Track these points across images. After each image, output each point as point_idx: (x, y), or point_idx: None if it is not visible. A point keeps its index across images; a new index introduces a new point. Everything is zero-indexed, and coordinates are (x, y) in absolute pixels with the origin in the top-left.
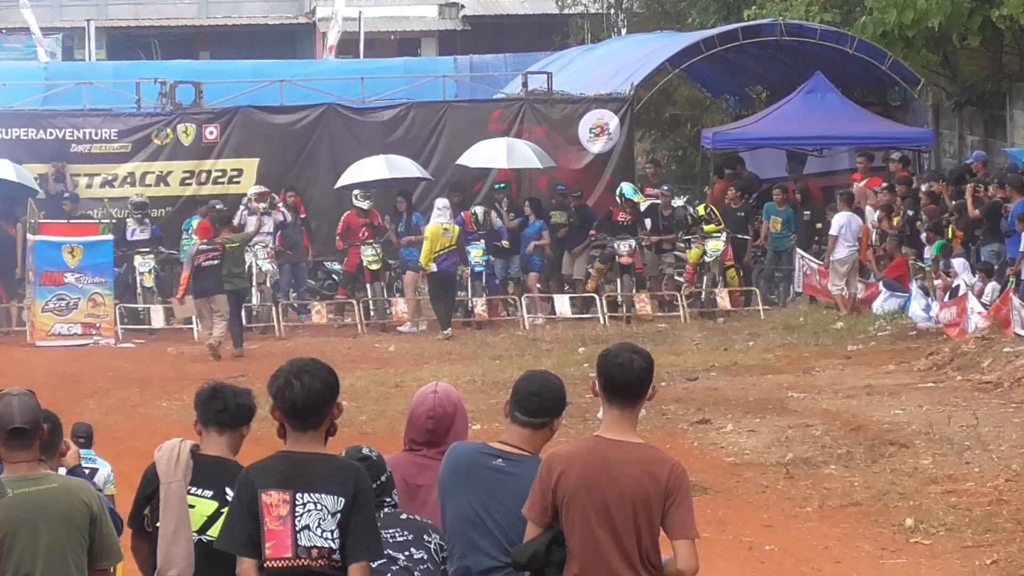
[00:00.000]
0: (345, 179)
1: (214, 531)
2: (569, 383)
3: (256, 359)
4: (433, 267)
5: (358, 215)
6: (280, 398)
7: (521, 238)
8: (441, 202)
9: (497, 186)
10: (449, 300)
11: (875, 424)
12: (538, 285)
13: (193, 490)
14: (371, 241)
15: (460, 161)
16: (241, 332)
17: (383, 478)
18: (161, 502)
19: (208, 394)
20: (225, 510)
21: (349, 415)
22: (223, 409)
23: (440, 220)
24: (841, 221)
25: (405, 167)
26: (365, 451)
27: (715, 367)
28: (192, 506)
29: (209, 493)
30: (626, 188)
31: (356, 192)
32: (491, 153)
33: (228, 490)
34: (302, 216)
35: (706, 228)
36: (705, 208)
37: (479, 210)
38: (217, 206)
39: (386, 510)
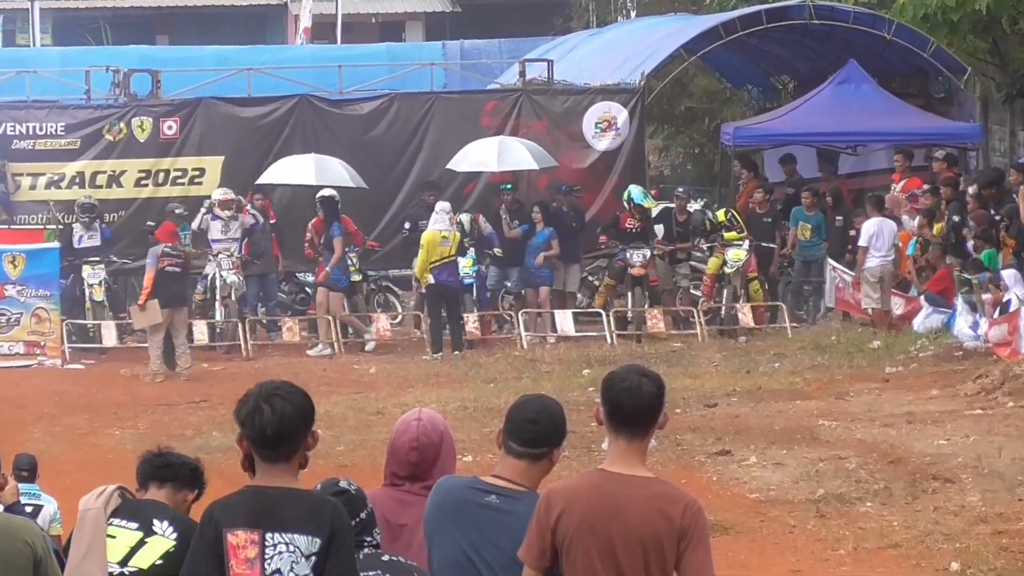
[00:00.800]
0: (268, 177)
1: (138, 560)
2: (572, 409)
3: (220, 382)
4: (429, 279)
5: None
6: (248, 425)
7: (527, 247)
8: (442, 206)
9: (503, 187)
10: (453, 318)
11: (916, 456)
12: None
13: (116, 521)
14: (345, 250)
15: (450, 166)
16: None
17: (363, 515)
18: (75, 530)
19: (151, 454)
20: (151, 540)
21: (325, 445)
22: (166, 464)
23: (439, 227)
24: (871, 229)
25: (336, 172)
26: (343, 484)
27: (736, 391)
28: (113, 536)
29: (134, 525)
30: (635, 191)
31: (322, 195)
32: (481, 155)
33: (156, 521)
34: (271, 221)
35: (726, 236)
36: (725, 213)
37: (464, 218)
38: (176, 210)
39: (366, 550)
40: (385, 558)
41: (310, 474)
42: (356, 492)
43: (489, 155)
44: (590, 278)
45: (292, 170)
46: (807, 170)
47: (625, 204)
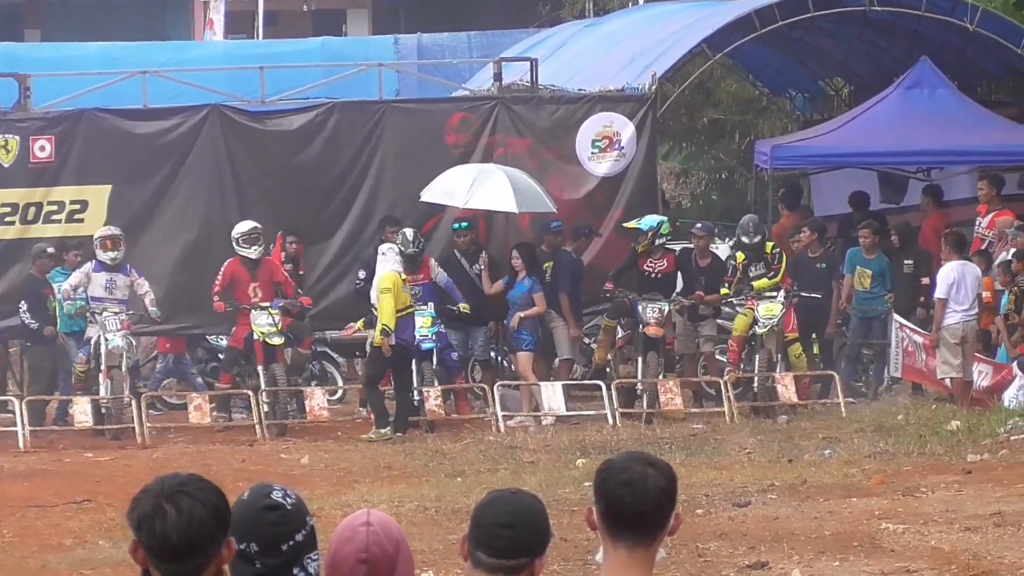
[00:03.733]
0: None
1: None
2: (562, 510)
3: (108, 476)
4: (391, 338)
5: (244, 265)
6: (146, 531)
7: (507, 302)
8: (391, 246)
9: (456, 226)
10: (404, 388)
11: (1007, 570)
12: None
13: None
14: (266, 304)
15: (421, 194)
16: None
17: (298, 536)
18: None
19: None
20: None
21: None
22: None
23: (397, 267)
24: (950, 275)
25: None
26: (276, 496)
27: (775, 487)
28: None
29: None
30: (649, 219)
31: (238, 234)
32: (451, 185)
33: None
34: (299, 272)
35: (755, 284)
36: (773, 248)
37: (407, 232)
38: (48, 250)
39: None
40: None
41: None
42: (293, 507)
43: (460, 186)
44: (587, 341)
45: (490, 193)
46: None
47: (642, 237)
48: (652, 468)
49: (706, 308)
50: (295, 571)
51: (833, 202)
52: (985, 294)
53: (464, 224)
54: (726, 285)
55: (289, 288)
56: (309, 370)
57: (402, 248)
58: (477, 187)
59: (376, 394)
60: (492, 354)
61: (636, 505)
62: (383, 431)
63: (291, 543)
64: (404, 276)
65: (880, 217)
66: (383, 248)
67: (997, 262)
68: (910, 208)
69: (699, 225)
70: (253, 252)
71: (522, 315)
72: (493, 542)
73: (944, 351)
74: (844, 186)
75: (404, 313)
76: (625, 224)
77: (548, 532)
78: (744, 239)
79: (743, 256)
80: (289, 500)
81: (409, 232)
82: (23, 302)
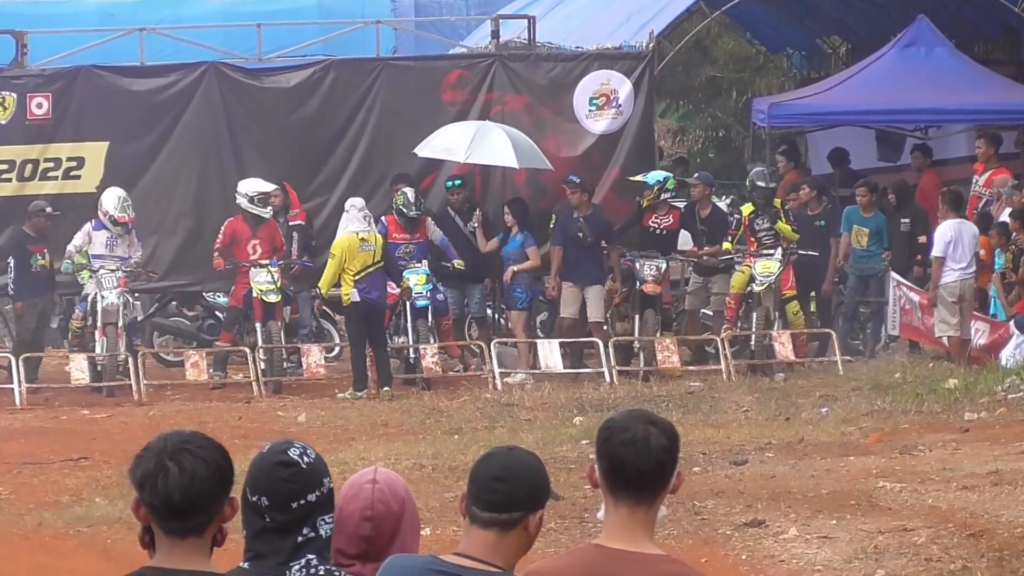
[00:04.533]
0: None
1: None
2: (560, 468)
3: (105, 434)
4: (354, 295)
5: (247, 223)
6: (148, 489)
7: (501, 260)
8: (353, 202)
9: (449, 184)
10: (379, 344)
11: (1004, 528)
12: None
13: None
14: (265, 262)
15: (416, 150)
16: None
17: (315, 495)
18: None
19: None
20: None
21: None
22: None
23: (355, 227)
24: (948, 234)
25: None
26: (293, 453)
27: (772, 445)
28: None
29: None
30: (655, 173)
31: (244, 192)
32: (450, 141)
33: None
34: (300, 223)
35: (780, 226)
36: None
37: (408, 193)
38: (47, 209)
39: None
40: None
41: (227, 553)
42: (309, 466)
43: (459, 142)
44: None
45: (490, 148)
46: (864, 159)
47: (647, 191)
48: (654, 427)
49: (713, 260)
50: (304, 530)
51: (829, 163)
52: (982, 252)
53: (457, 182)
54: (729, 239)
55: (281, 255)
56: (309, 327)
57: (404, 210)
58: (477, 143)
59: (358, 354)
60: (488, 312)
61: (638, 464)
62: (360, 393)
63: (302, 502)
64: (363, 235)
65: (861, 176)
66: (348, 203)
67: (994, 224)
68: (894, 168)
69: (696, 175)
70: (267, 212)
71: (515, 268)
72: (486, 495)
73: (942, 310)
74: (842, 144)
75: (366, 273)
76: (631, 178)
77: (545, 488)
78: (760, 183)
79: (750, 209)
80: (306, 459)
81: (410, 193)
82: (10, 258)
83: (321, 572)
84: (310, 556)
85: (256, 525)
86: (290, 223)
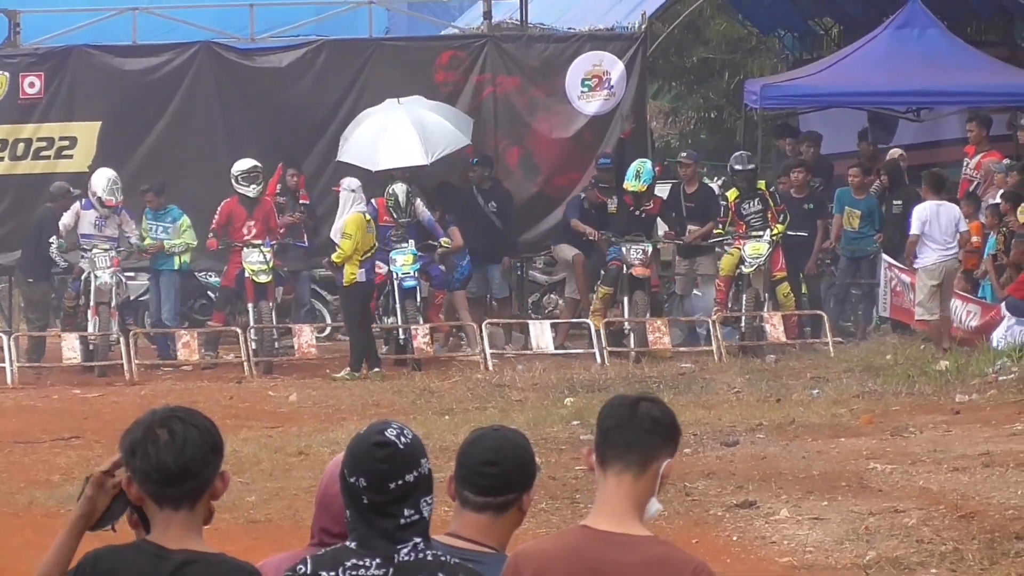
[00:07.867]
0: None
1: None
2: (551, 449)
3: (96, 413)
4: (360, 275)
5: (243, 204)
6: (140, 456)
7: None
8: (349, 183)
9: (472, 160)
10: (365, 322)
11: (995, 509)
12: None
13: None
14: (258, 243)
15: (372, 166)
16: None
17: (412, 475)
18: None
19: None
20: None
21: (231, 495)
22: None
23: (361, 208)
24: (923, 214)
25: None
26: (390, 433)
27: (763, 426)
28: None
29: None
30: (646, 173)
31: (238, 171)
32: (401, 145)
33: None
34: (303, 202)
35: (777, 228)
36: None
37: (399, 189)
38: (72, 190)
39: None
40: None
41: (222, 536)
42: (407, 446)
43: (366, 147)
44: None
45: (398, 148)
46: (853, 141)
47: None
48: (648, 401)
49: (698, 240)
50: (406, 511)
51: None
52: (974, 239)
53: (474, 160)
54: (719, 225)
55: (276, 236)
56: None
57: (395, 215)
58: (386, 144)
59: (356, 335)
60: (509, 291)
61: (623, 425)
62: (356, 374)
63: (400, 482)
64: (368, 217)
65: (827, 160)
66: (346, 183)
67: (985, 206)
68: (938, 144)
69: (684, 154)
70: (252, 191)
71: (439, 250)
72: (479, 480)
73: (920, 292)
74: (834, 126)
75: (369, 254)
76: (625, 186)
77: (534, 466)
78: (737, 166)
79: (735, 194)
80: (403, 440)
81: (401, 195)
82: (53, 237)
83: (428, 557)
84: (416, 539)
85: (356, 507)
86: (300, 202)
